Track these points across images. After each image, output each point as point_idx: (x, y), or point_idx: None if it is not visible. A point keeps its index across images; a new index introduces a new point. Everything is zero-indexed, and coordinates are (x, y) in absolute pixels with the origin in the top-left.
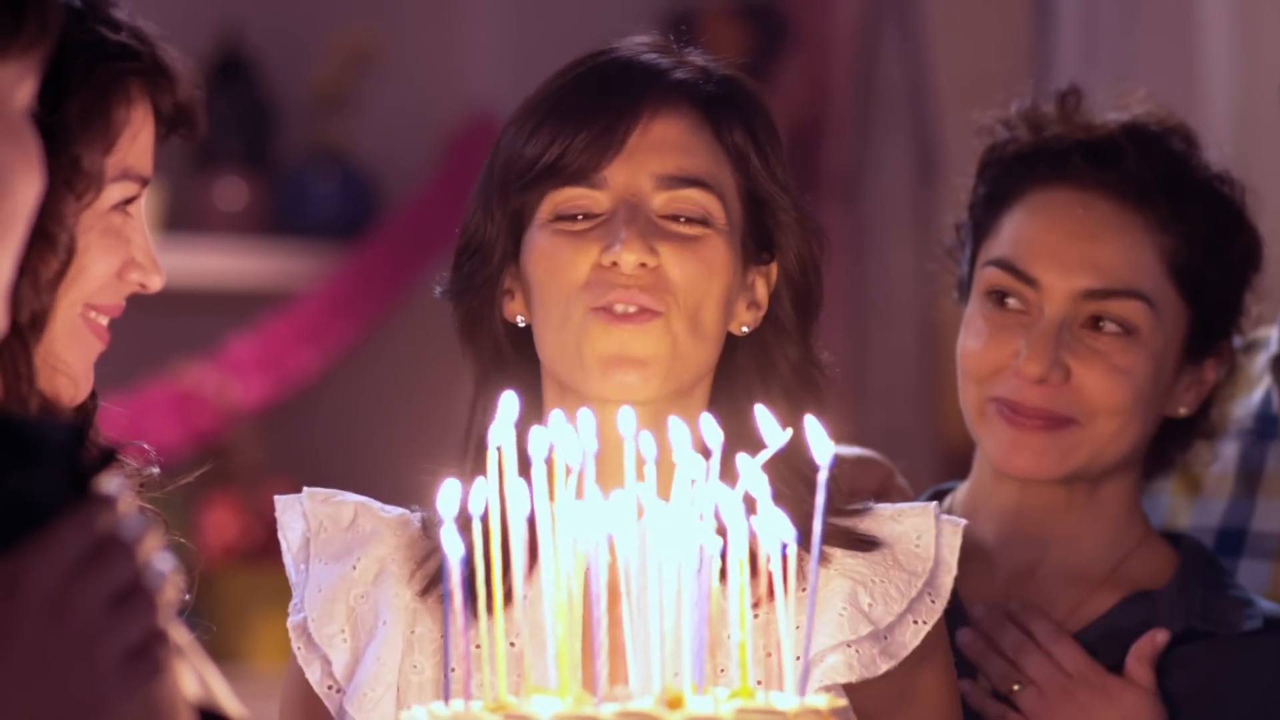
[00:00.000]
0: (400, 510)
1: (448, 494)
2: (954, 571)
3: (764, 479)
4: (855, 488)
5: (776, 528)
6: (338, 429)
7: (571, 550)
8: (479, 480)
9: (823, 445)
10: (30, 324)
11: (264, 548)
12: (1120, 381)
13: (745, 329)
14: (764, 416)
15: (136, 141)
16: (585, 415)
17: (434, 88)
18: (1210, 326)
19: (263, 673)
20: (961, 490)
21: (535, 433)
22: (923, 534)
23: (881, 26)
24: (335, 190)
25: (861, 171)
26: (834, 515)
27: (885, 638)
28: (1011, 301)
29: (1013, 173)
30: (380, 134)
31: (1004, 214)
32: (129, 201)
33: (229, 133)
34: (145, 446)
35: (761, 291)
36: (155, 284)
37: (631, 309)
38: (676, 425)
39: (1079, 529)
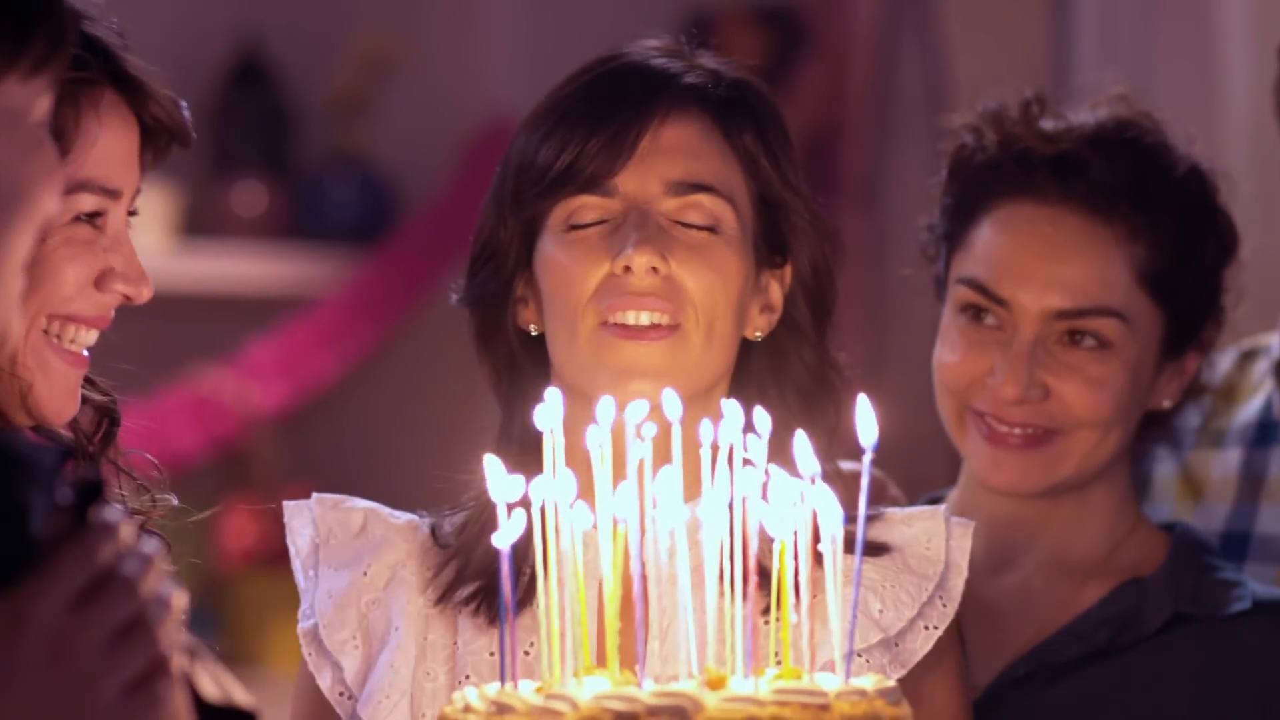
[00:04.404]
0: (409, 516)
1: (503, 483)
2: (964, 574)
3: (818, 465)
4: (849, 500)
5: (830, 517)
6: (357, 434)
7: (614, 537)
8: (514, 476)
9: (868, 427)
10: None
11: (283, 553)
12: (1098, 394)
13: (759, 334)
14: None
15: (95, 153)
16: (606, 403)
17: (452, 92)
18: (1188, 324)
19: (281, 678)
20: (952, 495)
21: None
22: (933, 537)
23: (900, 32)
24: (354, 195)
25: (880, 177)
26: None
27: (896, 645)
28: (987, 319)
29: (980, 183)
30: (399, 139)
31: (973, 227)
32: (97, 214)
33: (248, 138)
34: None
35: (776, 295)
36: (143, 295)
37: (644, 321)
38: (730, 409)
39: (1069, 527)
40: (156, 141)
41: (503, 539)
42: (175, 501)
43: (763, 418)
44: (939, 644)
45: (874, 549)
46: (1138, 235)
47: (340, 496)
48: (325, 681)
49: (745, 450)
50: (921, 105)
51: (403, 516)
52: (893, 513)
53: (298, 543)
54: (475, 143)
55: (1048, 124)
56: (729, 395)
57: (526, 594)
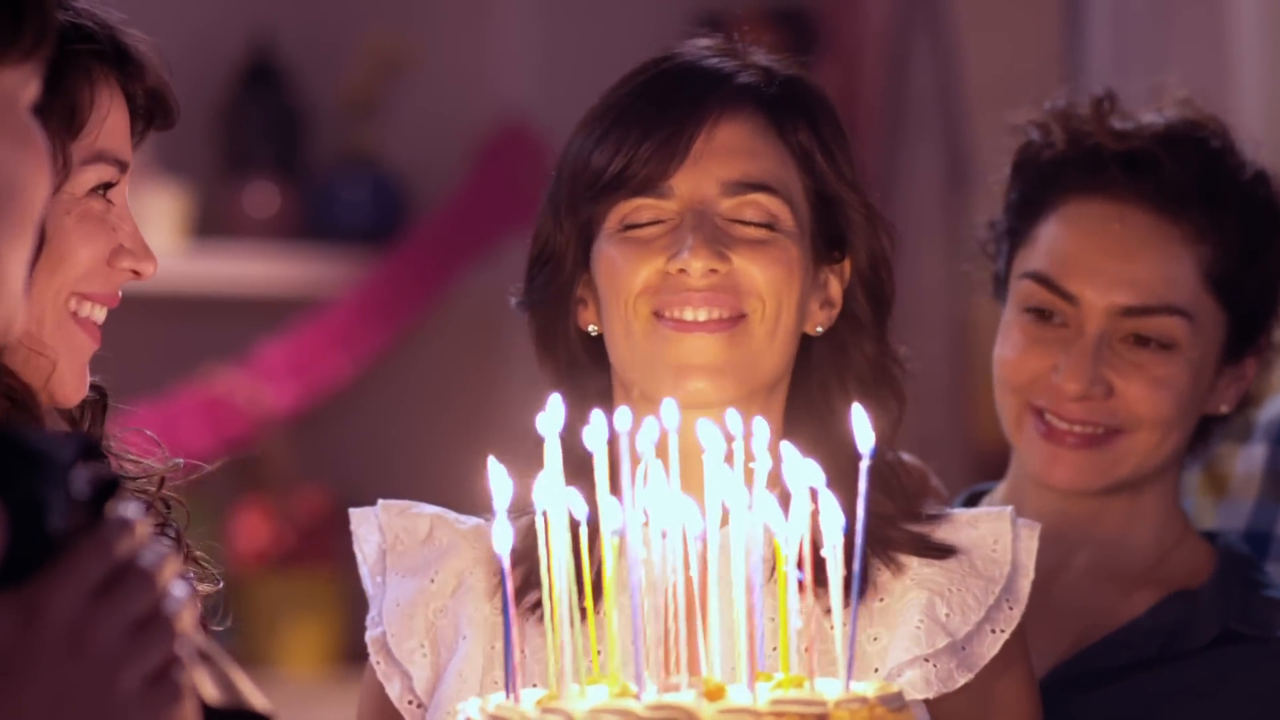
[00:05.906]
0: (476, 520)
1: (500, 488)
2: (1031, 576)
3: (819, 471)
4: (913, 491)
5: (831, 519)
6: (369, 435)
7: (644, 545)
8: (566, 484)
9: (865, 434)
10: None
11: (295, 554)
12: (1162, 393)
13: (820, 329)
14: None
15: (106, 125)
16: (669, 406)
17: (464, 93)
18: (1249, 327)
19: (294, 678)
20: (999, 492)
21: (591, 431)
22: (999, 539)
23: (912, 32)
24: (366, 196)
25: (892, 177)
26: (909, 521)
27: (963, 649)
28: (1053, 319)
29: (1047, 179)
30: (411, 139)
31: (1039, 223)
32: (108, 187)
33: (259, 139)
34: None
35: (835, 290)
36: (148, 270)
37: (700, 316)
38: (760, 426)
39: (1120, 531)
40: (147, 120)
41: (500, 544)
42: (179, 462)
43: (762, 427)
44: (1007, 647)
45: (940, 551)
46: (1205, 236)
47: (406, 502)
48: (394, 690)
49: (752, 461)
50: (933, 105)
51: (469, 521)
52: (959, 514)
53: (365, 549)
54: (487, 144)
55: (1117, 122)
56: (790, 392)
57: (595, 599)
